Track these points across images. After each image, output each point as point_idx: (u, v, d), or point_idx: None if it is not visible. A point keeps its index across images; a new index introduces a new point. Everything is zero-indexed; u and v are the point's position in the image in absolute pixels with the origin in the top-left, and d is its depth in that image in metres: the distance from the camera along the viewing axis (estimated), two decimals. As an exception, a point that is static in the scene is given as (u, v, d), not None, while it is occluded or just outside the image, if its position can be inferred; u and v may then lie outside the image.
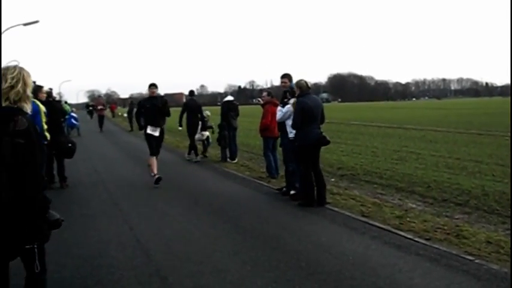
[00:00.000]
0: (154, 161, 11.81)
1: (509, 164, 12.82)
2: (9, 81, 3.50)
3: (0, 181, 3.32)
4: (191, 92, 18.05)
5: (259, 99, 12.93)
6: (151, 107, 11.73)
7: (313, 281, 5.30)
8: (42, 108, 9.76)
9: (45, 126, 9.61)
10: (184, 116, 16.78)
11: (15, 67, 3.60)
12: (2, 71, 3.54)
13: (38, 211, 3.54)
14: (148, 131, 11.88)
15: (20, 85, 3.53)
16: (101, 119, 36.21)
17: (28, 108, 3.58)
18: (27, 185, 3.39)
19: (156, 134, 11.94)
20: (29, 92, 3.60)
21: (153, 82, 12.07)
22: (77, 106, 61.34)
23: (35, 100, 9.97)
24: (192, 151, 16.97)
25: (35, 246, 3.64)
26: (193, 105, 16.75)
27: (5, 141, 3.32)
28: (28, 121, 3.47)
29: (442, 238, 6.83)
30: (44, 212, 3.62)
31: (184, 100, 17.71)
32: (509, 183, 10.54)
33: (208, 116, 17.29)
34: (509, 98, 54.41)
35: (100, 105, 38.56)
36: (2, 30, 32.11)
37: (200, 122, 16.79)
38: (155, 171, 11.68)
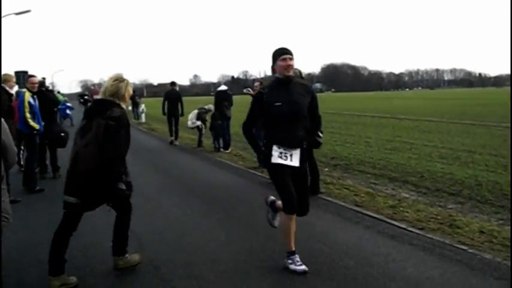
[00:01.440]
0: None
1: (503, 154, 12.87)
2: (111, 83, 5.07)
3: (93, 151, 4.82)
4: (172, 83, 19.68)
5: (249, 89, 12.86)
6: None
7: (307, 271, 5.29)
8: (27, 98, 9.77)
9: (28, 115, 9.72)
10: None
11: (118, 77, 5.17)
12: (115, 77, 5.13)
13: (113, 177, 5.18)
14: None
15: (117, 88, 5.05)
16: None
17: (124, 104, 5.14)
18: (108, 156, 4.93)
19: None
20: (122, 93, 5.08)
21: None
22: (70, 96, 59.71)
23: (23, 90, 10.04)
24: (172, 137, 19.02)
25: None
26: (173, 94, 18.63)
27: (101, 122, 4.85)
28: (122, 112, 5.00)
29: (435, 228, 6.84)
30: (119, 178, 5.37)
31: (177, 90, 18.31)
32: (506, 173, 10.58)
33: (210, 109, 17.20)
34: (503, 88, 54.54)
35: (96, 96, 32.77)
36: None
37: (196, 111, 17.37)
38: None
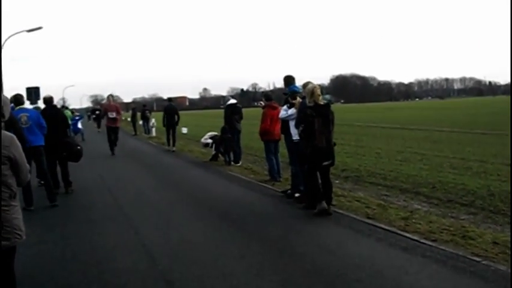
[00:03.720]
0: None
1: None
2: None
3: None
4: (169, 99, 23.85)
5: (261, 102, 12.91)
6: None
7: (319, 284, 5.29)
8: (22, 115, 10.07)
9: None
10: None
11: None
12: None
13: None
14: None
15: None
16: (113, 133, 20.84)
17: None
18: None
19: None
20: None
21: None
22: (80, 111, 57.94)
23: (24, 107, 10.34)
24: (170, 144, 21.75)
25: None
26: (170, 109, 21.80)
27: None
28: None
29: (448, 239, 6.80)
30: None
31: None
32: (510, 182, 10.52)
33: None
34: (513, 97, 54.25)
35: (112, 112, 20.69)
36: (7, 36, 32.30)
37: (213, 133, 18.18)
38: None
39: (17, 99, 10.41)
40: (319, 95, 8.68)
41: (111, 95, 21.04)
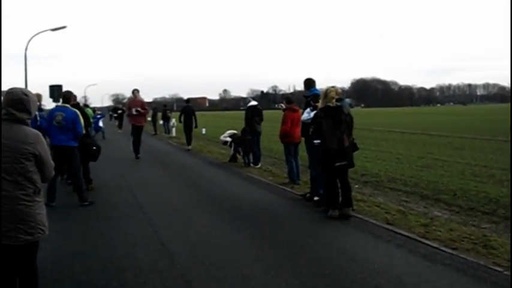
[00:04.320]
0: None
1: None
2: None
3: None
4: (187, 100, 25.67)
5: (281, 104, 12.92)
6: None
7: (338, 289, 5.27)
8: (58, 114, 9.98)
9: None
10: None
11: None
12: None
13: None
14: None
15: None
16: (137, 133, 18.68)
17: None
18: None
19: None
20: None
21: None
22: (102, 109, 56.37)
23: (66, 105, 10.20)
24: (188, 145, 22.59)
25: None
26: (188, 110, 22.70)
27: None
28: None
29: (469, 248, 6.73)
30: None
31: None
32: None
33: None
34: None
35: (137, 108, 18.37)
36: (32, 35, 32.72)
37: (233, 131, 18.10)
38: None
39: (64, 96, 10.49)
40: (333, 98, 8.72)
41: (136, 90, 18.72)
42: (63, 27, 33.70)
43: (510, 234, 6.88)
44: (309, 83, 10.59)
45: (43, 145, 4.11)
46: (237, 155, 17.03)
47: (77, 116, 10.04)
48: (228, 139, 17.57)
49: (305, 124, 10.04)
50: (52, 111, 10.47)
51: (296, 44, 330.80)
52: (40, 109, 11.55)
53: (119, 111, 41.05)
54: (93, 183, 11.65)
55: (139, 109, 18.17)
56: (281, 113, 12.61)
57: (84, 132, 10.23)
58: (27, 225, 3.98)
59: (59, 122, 9.84)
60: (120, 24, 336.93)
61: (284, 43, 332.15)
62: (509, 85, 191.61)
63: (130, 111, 18.66)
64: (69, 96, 10.41)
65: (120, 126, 38.81)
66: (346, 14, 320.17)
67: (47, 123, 10.25)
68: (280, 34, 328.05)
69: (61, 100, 10.78)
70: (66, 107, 10.16)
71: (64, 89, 32.38)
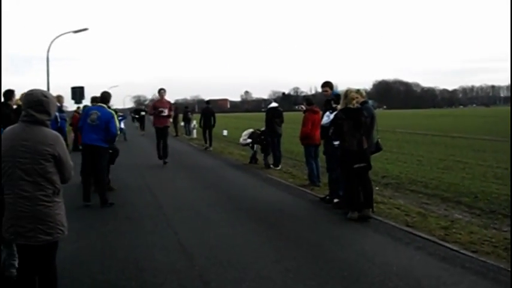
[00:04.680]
0: None
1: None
2: None
3: None
4: (207, 102, 26.76)
5: (302, 106, 12.92)
6: None
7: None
8: (93, 112, 10.05)
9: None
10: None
11: None
12: None
13: None
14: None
15: None
16: (162, 135, 16.92)
17: None
18: None
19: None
20: None
21: None
22: (123, 111, 54.03)
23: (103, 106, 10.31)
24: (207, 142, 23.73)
25: None
26: (207, 111, 23.61)
27: None
28: None
29: (489, 251, 6.66)
30: None
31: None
32: None
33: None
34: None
35: (163, 108, 16.72)
36: (54, 38, 33.07)
37: (251, 130, 18.01)
38: None
39: (103, 96, 10.65)
40: (353, 99, 8.71)
41: (162, 89, 16.92)
42: (85, 29, 34.10)
43: (510, 233, 6.80)
44: (328, 85, 10.60)
45: (62, 146, 4.17)
46: (257, 157, 17.04)
47: (112, 116, 10.20)
48: (249, 140, 17.53)
49: (324, 128, 9.99)
50: (88, 109, 10.70)
51: (318, 46, 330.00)
52: (61, 110, 11.73)
53: (141, 113, 40.59)
54: (114, 184, 11.73)
55: (166, 112, 16.57)
56: (302, 114, 12.61)
57: (118, 133, 10.35)
58: (46, 226, 4.04)
59: (93, 121, 9.97)
60: (141, 26, 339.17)
61: (306, 45, 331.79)
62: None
63: (155, 112, 16.81)
64: (107, 97, 10.61)
65: (142, 127, 38.46)
66: (368, 15, 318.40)
67: (82, 120, 10.41)
68: (302, 36, 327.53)
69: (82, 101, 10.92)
70: (103, 106, 10.34)
71: (86, 90, 32.85)
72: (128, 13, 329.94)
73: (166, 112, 16.55)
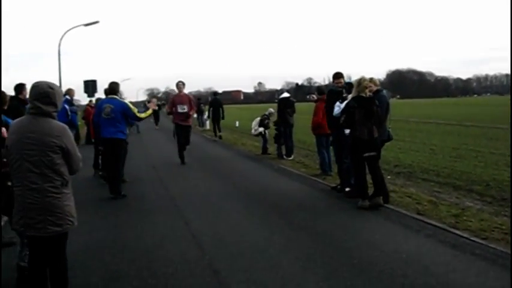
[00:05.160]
0: None
1: None
2: None
3: None
4: (215, 93, 28.43)
5: (313, 95, 12.92)
6: None
7: (365, 278, 5.30)
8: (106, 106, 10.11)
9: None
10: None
11: None
12: None
13: None
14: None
15: None
16: (184, 134, 15.24)
17: None
18: None
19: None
20: None
21: None
22: (137, 104, 55.19)
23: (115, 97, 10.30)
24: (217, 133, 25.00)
25: None
26: (216, 102, 25.26)
27: None
28: None
29: (499, 238, 6.65)
30: None
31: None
32: None
33: (271, 113, 17.53)
34: None
35: (184, 104, 14.97)
36: (65, 31, 33.17)
37: (259, 119, 17.88)
38: None
39: (111, 88, 10.46)
40: (366, 88, 8.72)
41: (181, 82, 15.18)
42: (96, 22, 33.99)
43: (510, 231, 6.78)
44: (338, 76, 10.60)
45: (70, 138, 4.21)
46: (267, 146, 17.08)
47: (126, 105, 10.19)
48: (260, 129, 17.54)
49: (333, 118, 9.93)
50: (100, 103, 10.65)
51: (331, 37, 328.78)
52: (71, 104, 11.76)
53: (158, 107, 37.59)
54: (126, 176, 11.82)
55: (186, 108, 14.80)
56: (314, 104, 12.61)
57: (140, 116, 10.33)
58: (55, 217, 4.10)
59: (107, 114, 9.96)
60: (154, 19, 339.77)
61: (319, 36, 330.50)
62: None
63: (175, 109, 14.90)
64: (115, 87, 10.46)
65: (156, 122, 38.02)
66: (382, 5, 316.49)
67: (96, 115, 10.45)
68: (316, 27, 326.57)
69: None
70: (115, 98, 10.25)
71: (99, 84, 32.89)
72: (139, 6, 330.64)
73: (186, 108, 14.79)
